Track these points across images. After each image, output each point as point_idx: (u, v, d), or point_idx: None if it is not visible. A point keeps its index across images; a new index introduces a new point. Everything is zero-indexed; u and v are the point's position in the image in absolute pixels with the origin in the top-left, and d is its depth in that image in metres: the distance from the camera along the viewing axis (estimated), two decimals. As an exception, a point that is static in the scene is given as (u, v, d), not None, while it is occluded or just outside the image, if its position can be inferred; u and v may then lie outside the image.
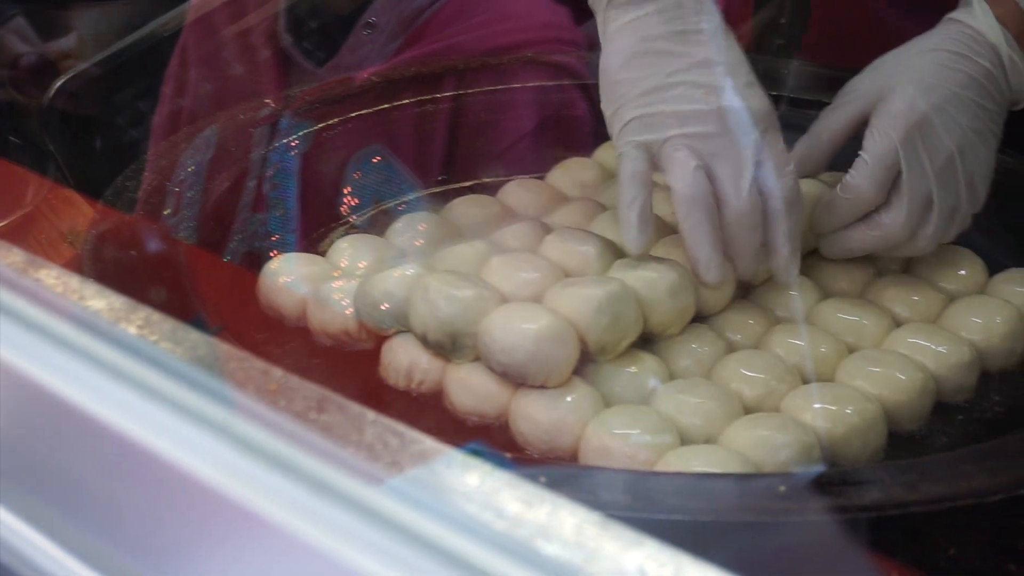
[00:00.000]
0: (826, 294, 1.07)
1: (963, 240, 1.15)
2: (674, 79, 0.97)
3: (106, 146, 1.51)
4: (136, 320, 0.60)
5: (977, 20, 1.04)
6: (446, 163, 1.34)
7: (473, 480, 0.49)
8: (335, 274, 1.07)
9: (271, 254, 1.13)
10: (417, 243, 1.12)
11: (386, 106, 1.31)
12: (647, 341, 0.99)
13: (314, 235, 1.20)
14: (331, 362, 1.02)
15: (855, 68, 1.07)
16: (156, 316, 0.60)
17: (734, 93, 0.97)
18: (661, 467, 0.86)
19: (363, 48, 1.46)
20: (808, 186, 1.06)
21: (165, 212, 1.09)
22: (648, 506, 0.75)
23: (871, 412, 0.92)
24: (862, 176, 1.00)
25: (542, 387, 0.92)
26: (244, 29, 1.47)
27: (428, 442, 0.51)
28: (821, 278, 1.08)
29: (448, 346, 0.95)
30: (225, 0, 1.48)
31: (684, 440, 0.90)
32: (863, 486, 0.77)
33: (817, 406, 0.91)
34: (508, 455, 0.89)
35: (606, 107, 1.00)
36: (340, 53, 1.48)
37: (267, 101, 1.26)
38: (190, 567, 0.54)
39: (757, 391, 0.95)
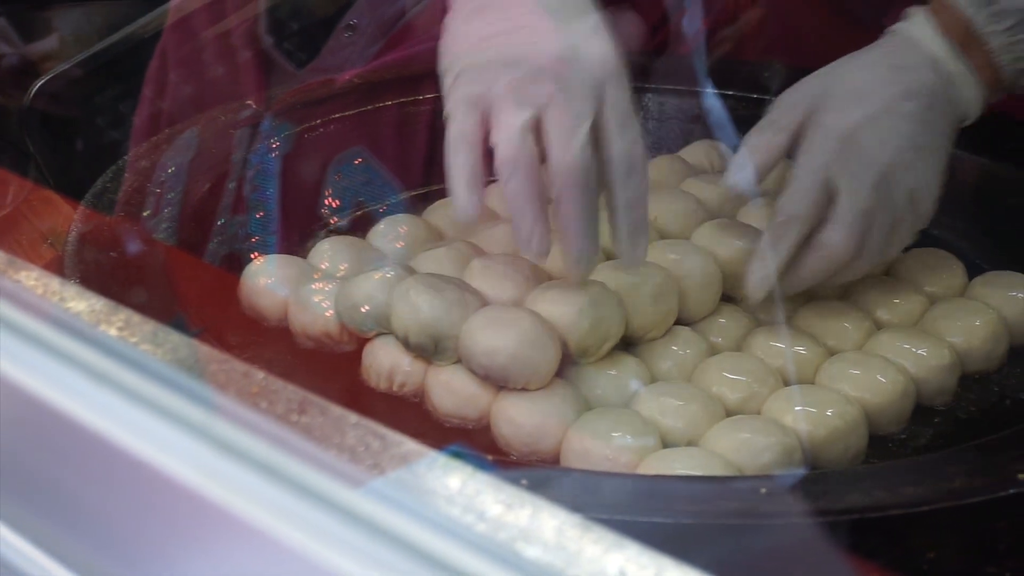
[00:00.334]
0: (807, 297, 1.07)
1: (943, 243, 1.15)
2: (511, 24, 0.91)
3: (86, 147, 1.51)
4: (117, 322, 0.59)
5: (917, 32, 1.02)
6: (428, 165, 1.34)
7: (454, 482, 0.49)
8: (316, 276, 1.07)
9: (252, 256, 1.13)
10: (398, 245, 1.12)
11: (367, 108, 1.31)
12: (629, 344, 0.99)
13: (295, 237, 1.20)
14: (312, 364, 1.02)
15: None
16: (137, 318, 0.60)
17: (575, 39, 0.90)
18: (643, 469, 0.86)
19: (344, 50, 1.46)
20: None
21: (146, 213, 1.09)
22: (630, 509, 0.75)
23: (852, 415, 0.92)
24: (796, 193, 0.96)
25: (524, 389, 0.92)
26: (225, 31, 1.47)
27: (410, 444, 0.51)
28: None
29: (430, 348, 0.95)
30: (205, 2, 1.47)
31: (666, 443, 0.90)
32: (844, 489, 0.77)
33: (798, 409, 0.91)
34: (490, 457, 0.89)
35: (441, 65, 0.94)
36: (321, 55, 1.48)
37: (248, 103, 1.26)
38: (170, 570, 0.54)
39: (739, 394, 0.95)
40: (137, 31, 1.54)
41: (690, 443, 0.90)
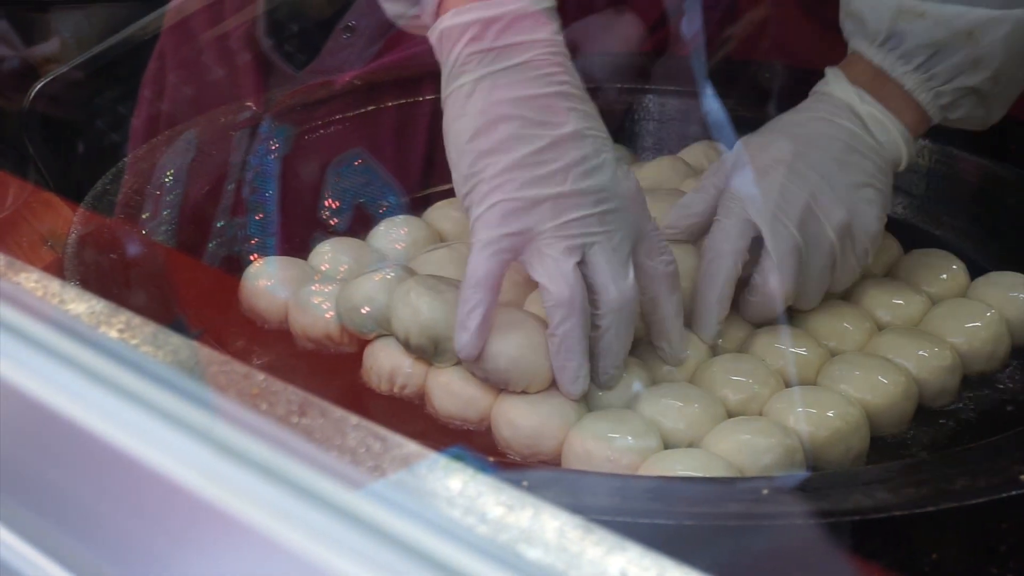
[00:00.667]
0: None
1: (945, 244, 1.15)
2: (543, 157, 0.88)
3: (86, 149, 1.50)
4: (117, 324, 0.59)
5: (833, 86, 1.05)
6: (427, 166, 1.34)
7: (455, 484, 0.49)
8: (316, 278, 1.07)
9: (252, 257, 1.13)
10: (398, 247, 1.12)
11: (367, 109, 1.31)
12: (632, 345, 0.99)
13: (295, 238, 1.20)
14: (313, 366, 1.02)
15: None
16: (137, 320, 0.59)
17: (606, 173, 0.90)
18: (644, 471, 0.86)
19: (343, 51, 1.46)
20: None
21: (146, 216, 1.08)
22: (631, 510, 0.75)
23: (854, 416, 0.92)
24: (719, 232, 0.99)
25: (524, 392, 0.92)
26: (223, 33, 1.47)
27: (410, 446, 0.51)
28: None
29: (430, 350, 0.95)
30: (204, 4, 1.47)
31: (667, 444, 0.90)
32: (846, 490, 0.77)
33: (800, 410, 0.91)
34: (490, 459, 0.89)
35: (459, 180, 0.91)
36: (320, 57, 1.48)
37: (247, 104, 1.26)
38: (170, 572, 0.54)
39: (740, 395, 0.95)
40: (137, 33, 1.54)
41: (691, 444, 0.90)
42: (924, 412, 0.98)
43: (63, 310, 0.60)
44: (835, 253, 1.00)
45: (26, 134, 1.47)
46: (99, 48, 1.53)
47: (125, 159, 1.14)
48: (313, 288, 1.03)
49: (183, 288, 1.03)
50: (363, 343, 1.00)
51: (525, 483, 0.73)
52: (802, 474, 0.86)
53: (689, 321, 0.99)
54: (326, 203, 1.25)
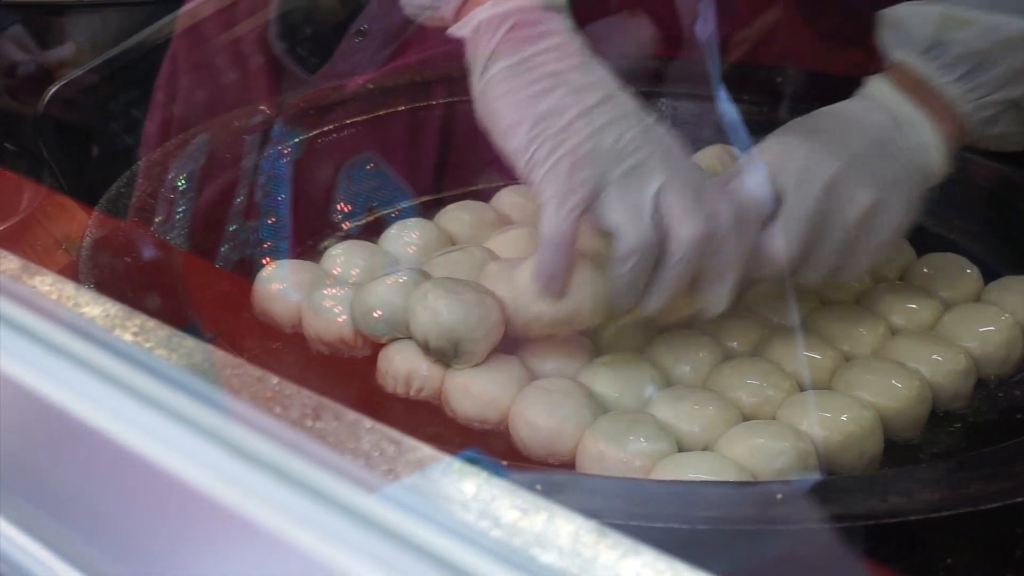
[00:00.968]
0: (822, 302, 1.07)
1: (958, 248, 1.15)
2: (598, 111, 0.92)
3: (101, 153, 1.51)
4: (131, 327, 0.59)
5: (875, 88, 1.03)
6: (439, 170, 1.34)
7: (470, 488, 0.49)
8: (329, 281, 1.07)
9: (264, 261, 1.13)
10: (410, 250, 1.12)
11: (379, 113, 1.31)
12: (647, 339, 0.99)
13: (307, 242, 1.20)
14: (326, 369, 1.02)
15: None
16: (151, 323, 0.59)
17: (658, 126, 0.93)
18: (657, 474, 0.86)
19: (355, 55, 1.46)
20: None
21: (159, 219, 1.09)
22: (645, 514, 0.74)
23: (868, 420, 0.92)
24: (741, 196, 0.96)
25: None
26: (236, 37, 1.47)
27: (425, 449, 0.51)
28: (817, 286, 1.08)
29: (450, 352, 0.95)
30: (216, 8, 1.48)
31: (681, 447, 0.90)
32: (859, 494, 0.77)
33: (814, 414, 0.91)
34: (504, 463, 0.89)
35: (520, 147, 0.92)
36: (332, 60, 1.48)
37: (260, 108, 1.26)
38: (184, 573, 0.54)
39: (754, 398, 0.94)
40: (151, 37, 1.54)
41: (706, 447, 0.90)
42: (938, 416, 0.98)
43: (78, 313, 0.60)
44: (850, 236, 0.98)
45: (40, 138, 1.48)
46: (113, 52, 1.53)
47: (139, 163, 1.15)
48: (326, 292, 1.03)
49: (197, 291, 1.03)
50: (377, 347, 1.00)
51: (539, 487, 0.73)
52: (816, 478, 0.86)
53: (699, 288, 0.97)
54: (338, 206, 1.25)
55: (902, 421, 0.95)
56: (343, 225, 1.24)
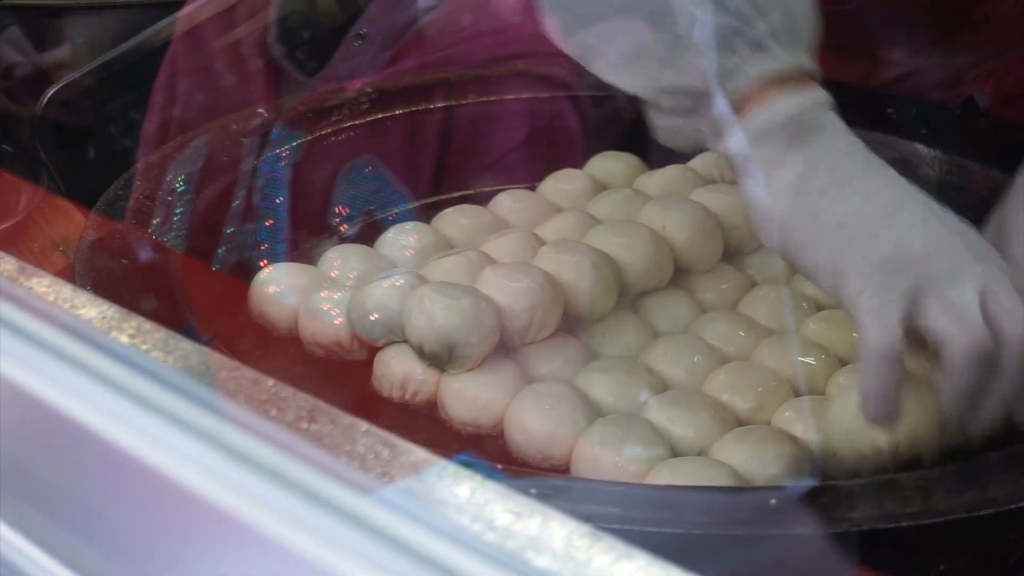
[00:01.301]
0: (817, 307, 1.07)
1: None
2: (898, 211, 0.83)
3: (98, 155, 1.51)
4: (128, 329, 0.59)
5: None
6: (437, 174, 1.34)
7: (464, 491, 0.49)
8: (326, 284, 1.07)
9: (261, 264, 1.13)
10: (407, 253, 1.12)
11: (377, 117, 1.31)
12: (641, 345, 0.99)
13: (305, 245, 1.20)
14: (322, 373, 1.02)
15: None
16: (148, 325, 0.60)
17: (941, 215, 0.84)
18: (652, 479, 0.86)
19: (354, 59, 1.46)
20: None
21: (157, 221, 1.09)
22: (639, 518, 0.75)
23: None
24: None
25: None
26: (235, 40, 1.47)
27: (419, 453, 0.51)
28: (811, 291, 1.08)
29: (444, 357, 0.95)
30: (215, 11, 1.48)
31: (676, 451, 0.90)
32: (854, 500, 0.77)
33: (808, 419, 0.91)
34: (499, 466, 0.89)
35: (819, 257, 0.84)
36: (331, 64, 1.48)
37: (259, 111, 1.26)
38: (179, 575, 0.54)
39: (749, 403, 0.95)
40: (150, 39, 1.54)
41: (700, 452, 0.90)
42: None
43: (74, 315, 0.61)
44: None
45: (39, 139, 1.48)
46: (111, 54, 1.53)
47: (137, 165, 1.15)
48: (323, 295, 1.04)
49: (193, 294, 1.03)
50: (373, 350, 1.01)
51: (533, 491, 0.73)
52: (810, 483, 0.86)
53: None
54: (336, 210, 1.25)
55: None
56: (341, 228, 1.24)
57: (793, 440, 0.89)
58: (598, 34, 0.92)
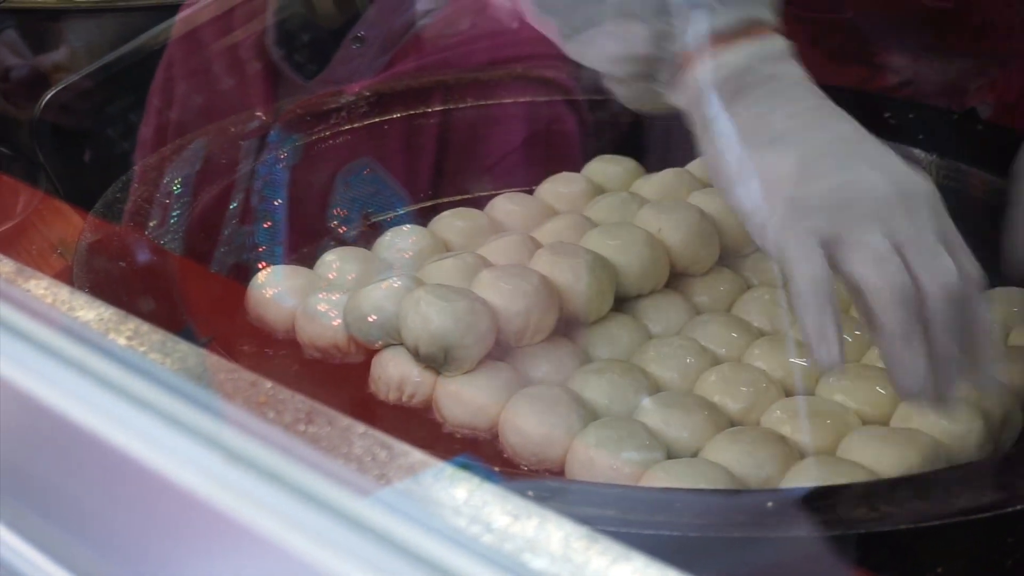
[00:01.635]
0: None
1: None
2: (835, 153, 0.84)
3: (96, 158, 1.51)
4: (125, 331, 0.59)
5: None
6: (435, 177, 1.34)
7: (461, 493, 0.49)
8: (323, 287, 1.07)
9: (259, 266, 1.13)
10: (405, 256, 1.13)
11: (375, 120, 1.31)
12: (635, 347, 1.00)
13: (302, 248, 1.20)
14: (320, 375, 1.02)
15: None
16: (145, 327, 0.60)
17: (896, 167, 0.84)
18: (647, 481, 0.86)
19: (352, 62, 1.46)
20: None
21: (154, 223, 1.09)
22: (635, 520, 0.75)
23: (854, 427, 0.92)
24: None
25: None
26: (233, 43, 1.47)
27: (417, 455, 0.51)
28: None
29: (440, 359, 0.95)
30: (213, 14, 1.48)
31: (671, 453, 0.90)
32: (850, 502, 0.77)
33: (801, 420, 0.91)
34: (496, 469, 0.89)
35: (739, 191, 0.85)
36: (330, 67, 1.48)
37: (256, 114, 1.26)
38: (177, 579, 0.54)
39: (742, 404, 0.95)
40: (148, 42, 1.54)
41: (695, 454, 0.90)
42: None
43: (72, 317, 0.61)
44: None
45: (37, 142, 1.48)
46: (110, 57, 1.53)
47: (134, 167, 1.15)
48: (320, 297, 1.04)
49: (191, 296, 1.03)
50: (370, 352, 1.01)
51: (530, 492, 0.73)
52: (806, 486, 0.86)
53: None
54: (334, 212, 1.25)
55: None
56: (338, 231, 1.24)
57: (785, 441, 0.89)
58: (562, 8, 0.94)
